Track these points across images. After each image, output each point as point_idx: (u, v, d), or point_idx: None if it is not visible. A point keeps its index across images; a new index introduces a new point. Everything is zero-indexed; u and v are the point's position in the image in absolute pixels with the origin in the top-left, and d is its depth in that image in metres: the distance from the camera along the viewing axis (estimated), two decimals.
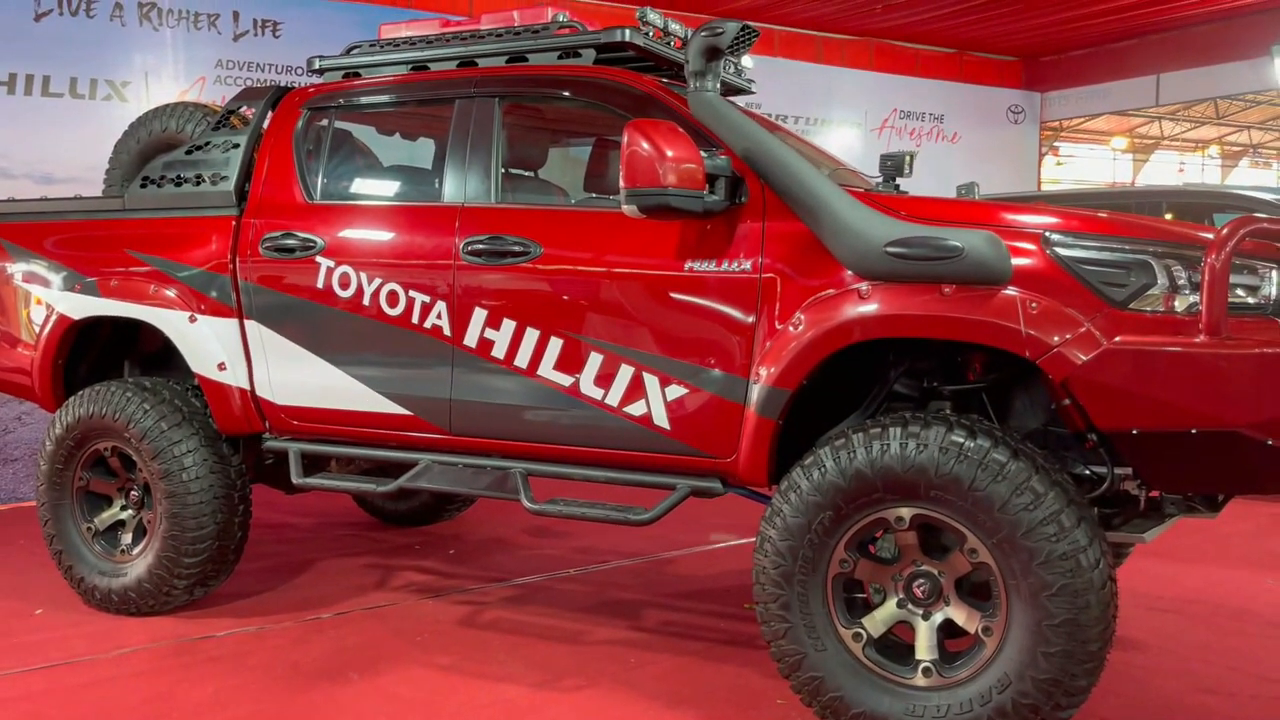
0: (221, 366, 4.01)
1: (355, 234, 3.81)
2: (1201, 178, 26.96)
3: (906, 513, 2.85)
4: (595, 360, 3.35)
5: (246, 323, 3.98)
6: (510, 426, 3.54)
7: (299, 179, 3.98)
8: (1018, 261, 2.79)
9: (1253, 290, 2.85)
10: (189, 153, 4.22)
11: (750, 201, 3.18)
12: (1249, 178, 27.04)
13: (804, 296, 3.03)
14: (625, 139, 3.03)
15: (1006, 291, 2.78)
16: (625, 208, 3.07)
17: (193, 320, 4.03)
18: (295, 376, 3.91)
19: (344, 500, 5.86)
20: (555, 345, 3.40)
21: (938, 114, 10.36)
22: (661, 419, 3.27)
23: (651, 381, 3.27)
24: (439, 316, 3.59)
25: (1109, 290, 2.72)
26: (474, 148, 3.66)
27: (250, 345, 3.99)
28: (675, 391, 3.24)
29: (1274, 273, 2.90)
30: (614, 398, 3.33)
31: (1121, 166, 25.49)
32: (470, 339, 3.54)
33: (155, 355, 4.55)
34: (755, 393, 3.08)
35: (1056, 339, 2.70)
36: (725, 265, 3.16)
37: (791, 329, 3.02)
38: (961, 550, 2.81)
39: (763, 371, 3.06)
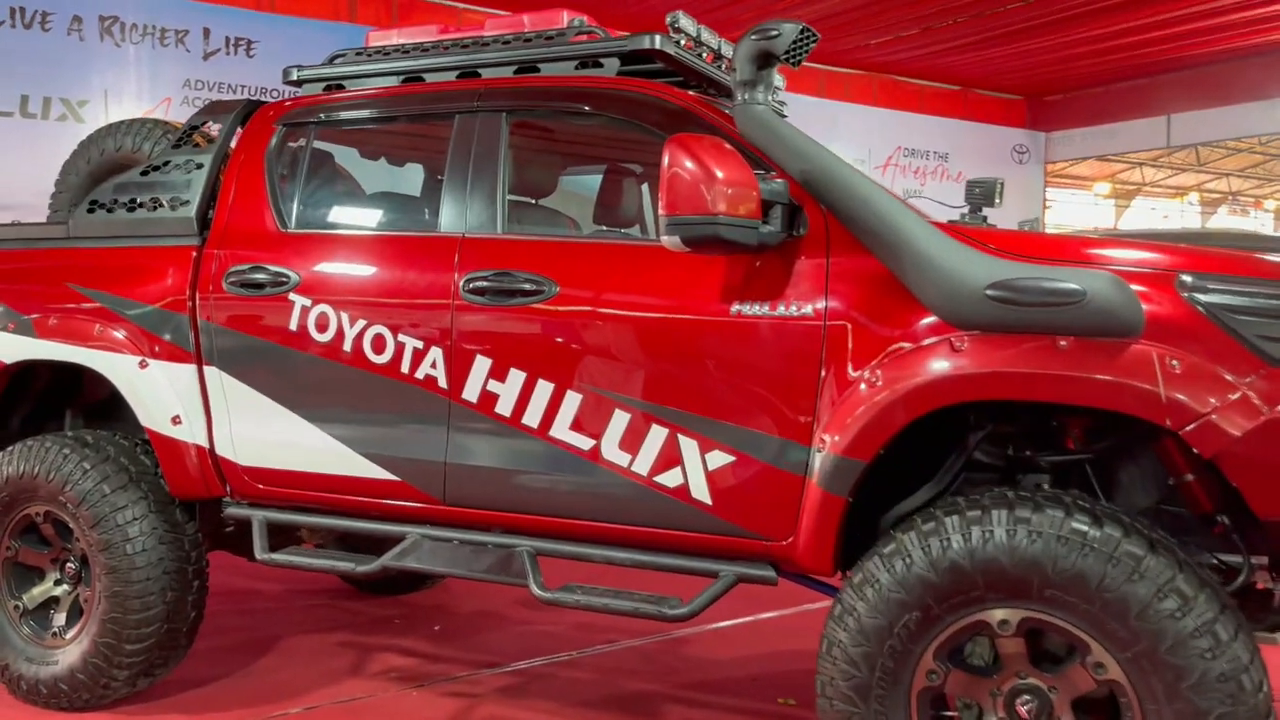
0: (176, 420, 3.44)
1: (335, 268, 3.28)
2: (1182, 224, 26.98)
3: (1013, 615, 2.32)
4: (621, 419, 2.82)
5: (206, 369, 3.42)
6: (517, 496, 3.00)
7: (271, 205, 3.44)
8: (1148, 308, 2.30)
9: None
10: (144, 174, 3.67)
11: (810, 233, 2.68)
12: (1228, 224, 27.10)
13: (879, 347, 2.53)
14: (666, 158, 2.53)
15: (1138, 346, 2.28)
16: (665, 239, 2.55)
17: (143, 366, 3.46)
18: (262, 433, 3.35)
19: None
20: (573, 401, 2.87)
21: (942, 152, 10.00)
22: (701, 491, 2.73)
23: (689, 446, 2.74)
24: (433, 365, 3.06)
25: (1267, 346, 2.23)
26: (477, 170, 3.15)
27: (210, 396, 3.43)
28: (719, 459, 2.71)
29: None
30: (643, 465, 2.80)
31: (1103, 212, 25.44)
32: (470, 392, 3.00)
33: (101, 405, 3.97)
34: (819, 462, 2.56)
35: (1206, 405, 2.20)
36: (781, 309, 2.65)
37: (864, 387, 2.51)
38: (1083, 664, 2.28)
39: (828, 438, 2.54)
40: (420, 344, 3.07)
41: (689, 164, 2.49)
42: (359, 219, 3.87)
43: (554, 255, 3.01)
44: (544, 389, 2.91)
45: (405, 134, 3.89)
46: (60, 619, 3.63)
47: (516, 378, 2.94)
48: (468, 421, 3.03)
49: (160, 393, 3.45)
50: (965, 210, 3.12)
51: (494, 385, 2.98)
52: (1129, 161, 21.39)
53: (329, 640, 4.36)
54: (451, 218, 3.15)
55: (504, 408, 2.96)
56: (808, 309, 2.62)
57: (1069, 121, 10.66)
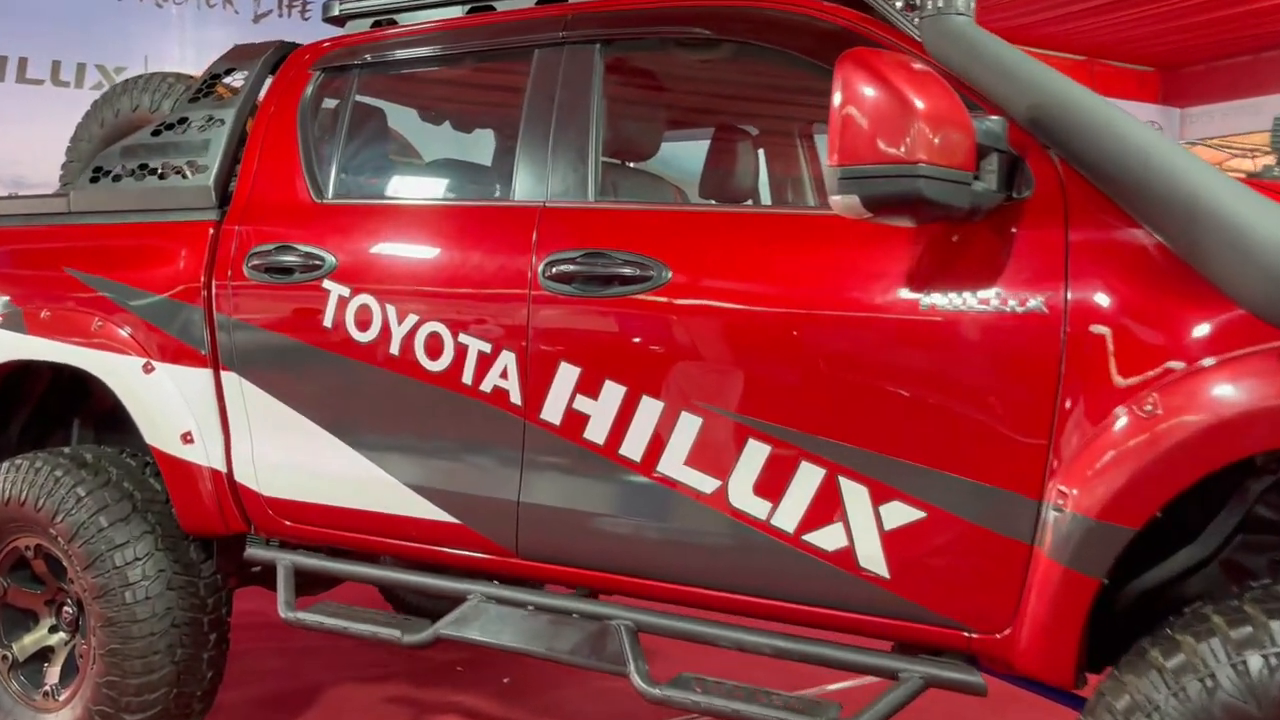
0: (187, 438, 2.76)
1: (381, 249, 2.57)
2: None
3: None
4: (757, 453, 2.05)
5: (224, 375, 2.74)
6: (613, 551, 2.26)
7: (305, 170, 2.74)
8: None
9: None
10: (156, 133, 3.01)
11: (1039, 194, 1.87)
12: None
13: (1154, 360, 1.72)
14: (839, 86, 1.75)
15: None
16: (838, 201, 1.78)
17: (148, 370, 2.79)
18: (290, 456, 2.66)
19: (356, 585, 4.58)
20: (690, 426, 2.12)
21: None
22: (874, 558, 1.95)
23: (856, 495, 1.97)
24: (503, 375, 2.32)
25: None
26: (562, 120, 2.40)
27: (229, 408, 2.75)
28: (899, 514, 1.93)
29: None
30: (788, 517, 2.03)
31: None
32: (552, 412, 2.27)
33: (112, 414, 3.32)
34: (1055, 525, 1.77)
35: None
36: (996, 301, 1.85)
37: (1129, 420, 1.70)
38: None
39: (1070, 491, 1.75)
40: (487, 346, 2.34)
41: (875, 91, 1.71)
42: (411, 189, 3.16)
43: (665, 230, 2.25)
44: (650, 409, 2.15)
45: (471, 85, 3.18)
46: (54, 675, 2.99)
47: (613, 393, 2.19)
48: (548, 450, 2.29)
49: (168, 403, 2.78)
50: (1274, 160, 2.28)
51: (583, 403, 2.23)
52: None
53: (376, 694, 3.67)
54: (529, 183, 2.42)
55: (596, 433, 2.22)
56: (1037, 302, 1.82)
57: (1206, 96, 9.57)
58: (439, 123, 3.51)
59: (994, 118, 1.86)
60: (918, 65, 1.79)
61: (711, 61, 2.66)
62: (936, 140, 1.70)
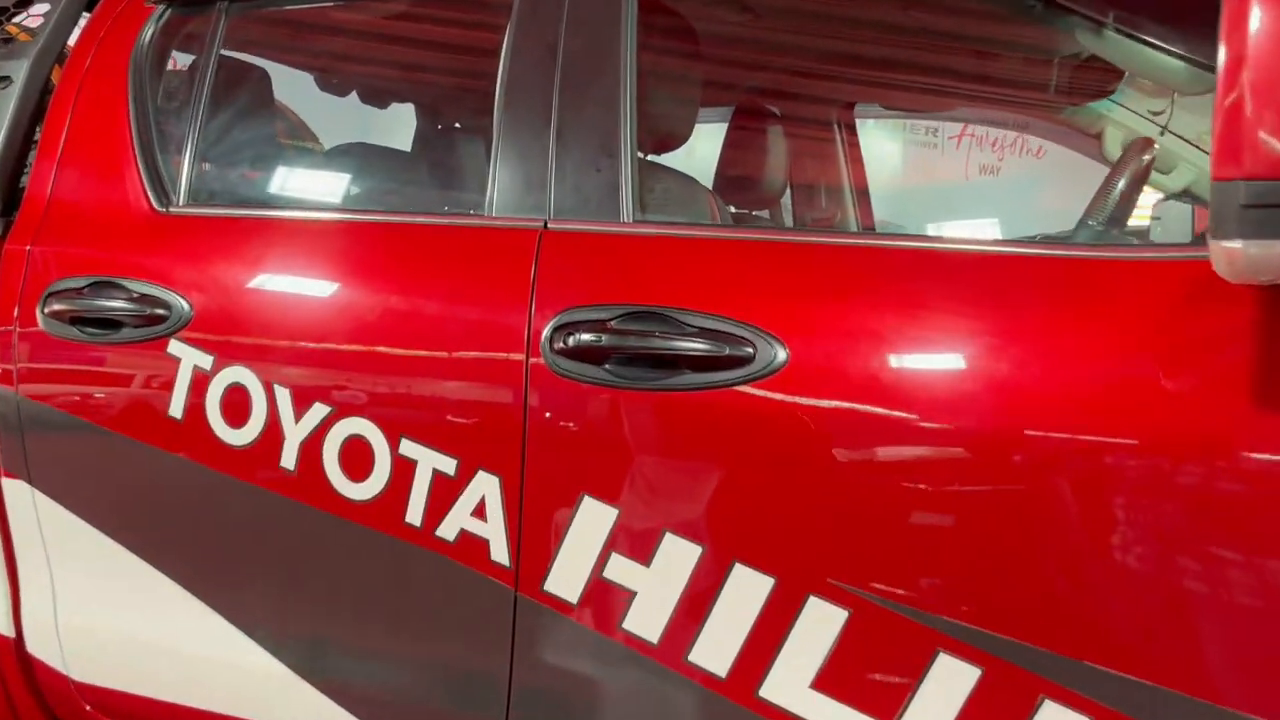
0: None
1: (265, 292, 1.57)
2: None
3: None
4: (952, 678, 1.16)
5: (7, 485, 1.71)
6: None
7: (140, 160, 1.72)
8: None
9: None
10: None
11: None
12: None
13: None
14: (1252, 27, 0.85)
15: None
16: (1235, 251, 0.88)
17: None
18: (120, 621, 1.65)
19: None
20: (822, 621, 1.21)
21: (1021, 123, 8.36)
22: None
23: None
24: (478, 513, 1.37)
25: None
26: (573, 83, 1.45)
27: (16, 538, 1.72)
28: None
29: None
30: None
31: None
32: (564, 580, 1.33)
33: None
34: None
35: None
36: None
37: None
38: None
39: None
40: (449, 464, 1.38)
41: None
42: (314, 194, 2.17)
43: (768, 275, 1.33)
44: (746, 586, 1.24)
45: (404, 39, 2.18)
46: None
47: (679, 554, 1.27)
48: (556, 645, 1.36)
49: None
50: None
51: (622, 568, 1.30)
52: None
53: None
54: (515, 189, 1.46)
55: (645, 623, 1.29)
56: None
57: None
58: (344, 91, 2.51)
59: None
60: None
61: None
62: None
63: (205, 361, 1.53)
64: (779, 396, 1.23)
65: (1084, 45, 1.45)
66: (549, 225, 1.42)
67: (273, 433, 1.48)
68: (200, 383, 1.53)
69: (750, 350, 1.25)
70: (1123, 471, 1.10)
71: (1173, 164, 2.14)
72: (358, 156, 2.14)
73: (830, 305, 1.27)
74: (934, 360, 1.22)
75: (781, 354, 1.24)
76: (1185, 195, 2.14)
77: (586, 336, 1.31)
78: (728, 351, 1.25)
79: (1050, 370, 1.15)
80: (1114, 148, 2.17)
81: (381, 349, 1.46)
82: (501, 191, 1.47)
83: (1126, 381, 1.12)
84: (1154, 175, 2.18)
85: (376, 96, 2.55)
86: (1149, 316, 1.13)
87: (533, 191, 1.45)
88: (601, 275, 1.36)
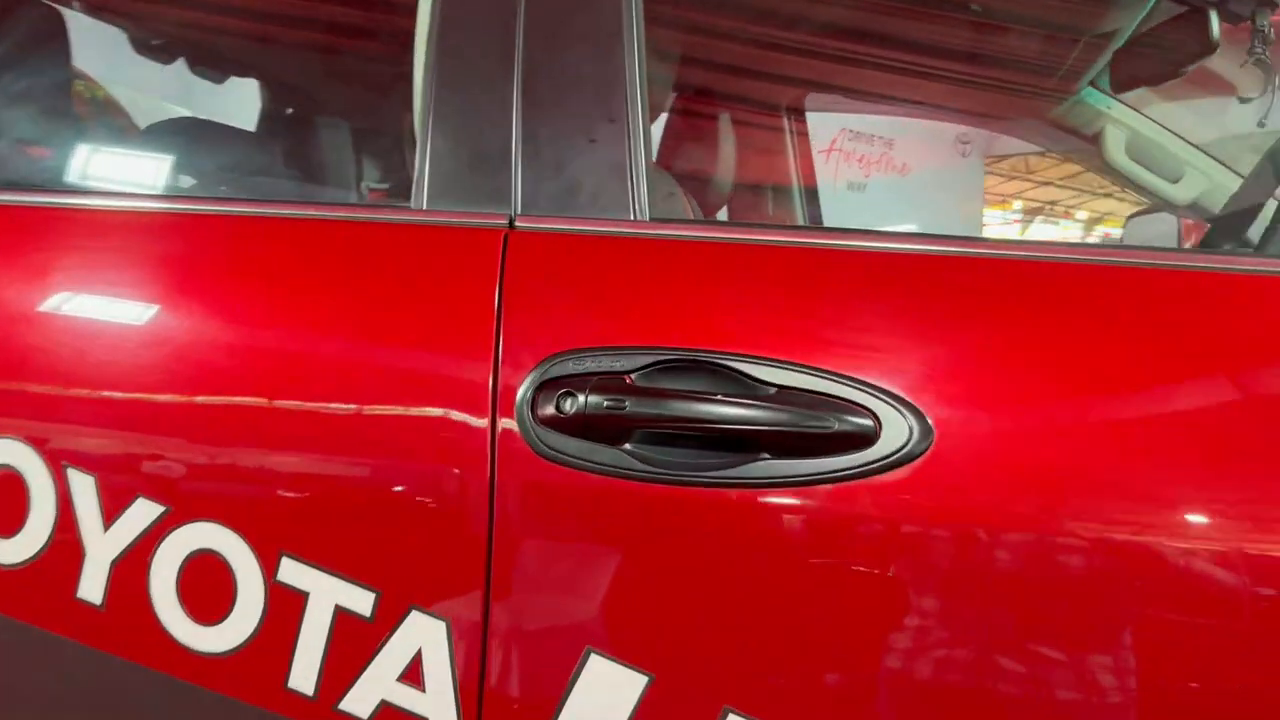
0: None
1: (52, 310, 1.01)
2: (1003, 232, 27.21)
3: None
4: None
5: None
6: None
7: None
8: None
9: None
10: None
11: None
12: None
13: None
14: None
15: None
16: None
17: None
18: None
19: None
20: None
21: (887, 139, 8.34)
22: None
23: None
24: (409, 676, 0.86)
25: None
26: (543, 9, 0.97)
27: None
28: None
29: None
30: None
31: None
32: None
33: None
34: None
35: None
36: None
37: None
38: None
39: None
40: (364, 599, 0.86)
41: None
42: (130, 179, 1.59)
43: (894, 308, 0.87)
44: None
45: None
46: None
47: None
48: None
49: None
50: None
51: None
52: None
53: None
54: (456, 169, 0.96)
55: None
56: None
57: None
58: (169, 59, 1.93)
59: None
60: None
61: None
62: None
63: None
64: (922, 502, 0.77)
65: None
66: (515, 223, 0.93)
67: (64, 545, 0.93)
68: None
69: (867, 422, 0.79)
70: None
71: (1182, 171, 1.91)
72: (195, 133, 1.57)
73: (1010, 357, 0.82)
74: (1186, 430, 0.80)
75: (915, 428, 0.79)
76: (1192, 208, 1.91)
77: (594, 399, 0.82)
78: (834, 425, 0.79)
79: None
80: (1116, 150, 1.91)
81: (249, 406, 0.92)
82: (437, 174, 0.96)
83: None
84: (1153, 183, 1.95)
85: (215, 61, 1.98)
86: None
87: (488, 173, 0.95)
88: (608, 301, 0.88)
